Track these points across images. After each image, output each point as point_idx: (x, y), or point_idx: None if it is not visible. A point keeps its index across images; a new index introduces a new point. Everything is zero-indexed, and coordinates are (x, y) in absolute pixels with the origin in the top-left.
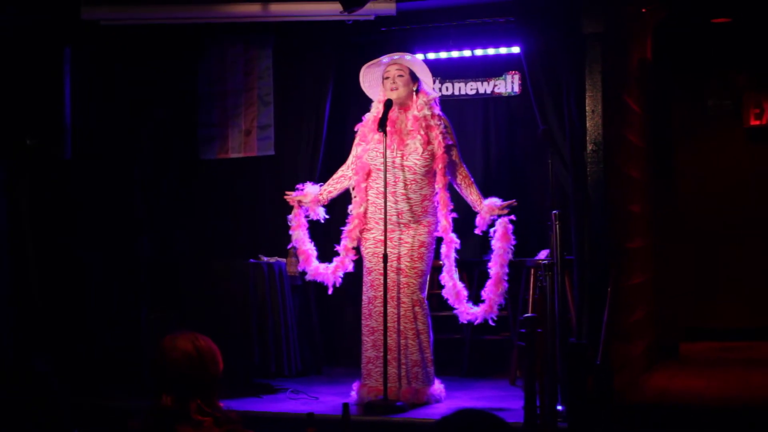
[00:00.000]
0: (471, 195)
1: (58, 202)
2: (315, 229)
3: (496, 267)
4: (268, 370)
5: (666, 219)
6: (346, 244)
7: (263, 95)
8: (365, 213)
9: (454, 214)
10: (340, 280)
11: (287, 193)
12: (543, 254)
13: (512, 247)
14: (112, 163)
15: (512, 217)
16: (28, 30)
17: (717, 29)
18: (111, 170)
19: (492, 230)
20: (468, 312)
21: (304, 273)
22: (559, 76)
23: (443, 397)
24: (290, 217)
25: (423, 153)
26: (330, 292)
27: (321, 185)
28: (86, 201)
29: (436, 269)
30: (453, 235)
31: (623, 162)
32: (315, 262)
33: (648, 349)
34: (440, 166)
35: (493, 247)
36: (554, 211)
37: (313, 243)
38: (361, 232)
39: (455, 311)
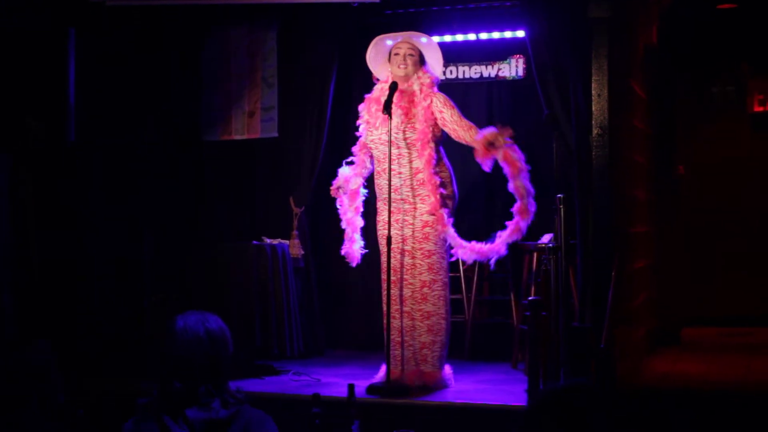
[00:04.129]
0: (472, 136)
1: (60, 185)
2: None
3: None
4: (271, 351)
5: (668, 205)
6: (349, 218)
7: (267, 77)
8: (357, 190)
9: (442, 190)
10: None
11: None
12: (546, 238)
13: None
14: (116, 145)
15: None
16: (33, 11)
17: (722, 15)
18: (114, 152)
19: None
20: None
21: (306, 255)
22: (564, 60)
23: (452, 383)
24: (337, 204)
25: (405, 126)
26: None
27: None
28: (89, 183)
29: None
30: (443, 211)
31: (628, 147)
32: (355, 246)
33: (649, 334)
34: (419, 142)
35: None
36: (559, 195)
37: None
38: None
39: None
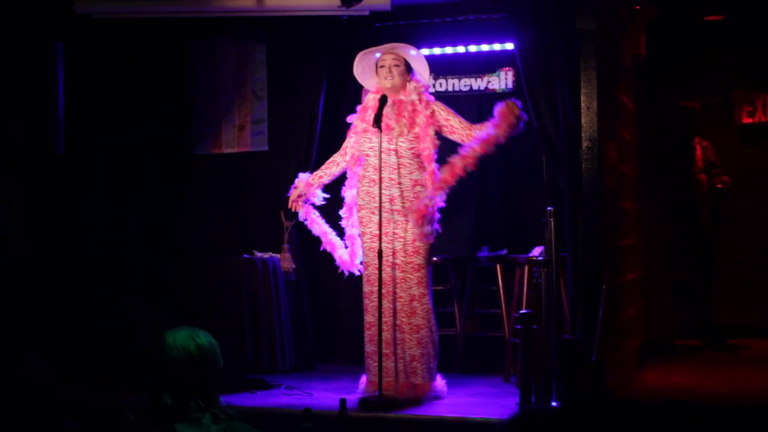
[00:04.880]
0: (481, 129)
1: (51, 197)
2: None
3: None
4: (262, 365)
5: (658, 217)
6: (352, 233)
7: (257, 90)
8: (352, 202)
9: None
10: (360, 267)
11: (291, 200)
12: (537, 251)
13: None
14: (105, 157)
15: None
16: (21, 23)
17: (709, 27)
18: (103, 164)
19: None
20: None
21: (297, 269)
22: (553, 72)
23: (445, 394)
24: (301, 218)
25: (408, 135)
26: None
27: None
28: (79, 195)
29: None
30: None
31: (617, 159)
32: (340, 252)
33: (641, 346)
34: (426, 152)
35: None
36: (549, 208)
37: (335, 232)
38: (360, 218)
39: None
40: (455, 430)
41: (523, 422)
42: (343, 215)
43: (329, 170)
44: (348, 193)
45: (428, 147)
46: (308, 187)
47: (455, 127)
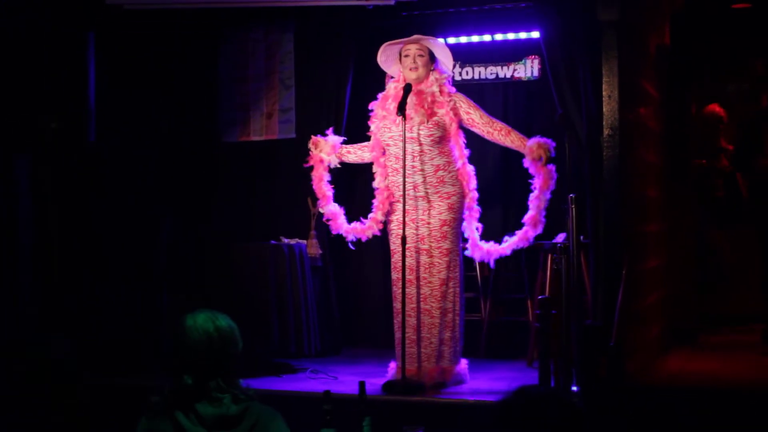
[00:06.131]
0: (514, 141)
1: (81, 186)
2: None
3: (534, 204)
4: (288, 350)
5: (682, 204)
6: (375, 216)
7: (284, 79)
8: (387, 186)
9: (475, 179)
10: (351, 237)
11: (313, 139)
12: (560, 237)
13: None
14: (135, 145)
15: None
16: (53, 15)
17: (736, 14)
18: (133, 153)
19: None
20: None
21: (324, 255)
22: (577, 61)
23: (467, 378)
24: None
25: (428, 123)
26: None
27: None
28: (108, 184)
29: None
30: (476, 207)
31: (640, 146)
32: (333, 205)
33: (663, 333)
34: (459, 141)
35: (533, 188)
36: (571, 195)
37: (332, 187)
38: (391, 205)
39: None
40: (474, 413)
41: (513, 404)
42: (374, 202)
43: (361, 152)
44: (380, 184)
45: (457, 144)
46: (332, 150)
47: (476, 120)
